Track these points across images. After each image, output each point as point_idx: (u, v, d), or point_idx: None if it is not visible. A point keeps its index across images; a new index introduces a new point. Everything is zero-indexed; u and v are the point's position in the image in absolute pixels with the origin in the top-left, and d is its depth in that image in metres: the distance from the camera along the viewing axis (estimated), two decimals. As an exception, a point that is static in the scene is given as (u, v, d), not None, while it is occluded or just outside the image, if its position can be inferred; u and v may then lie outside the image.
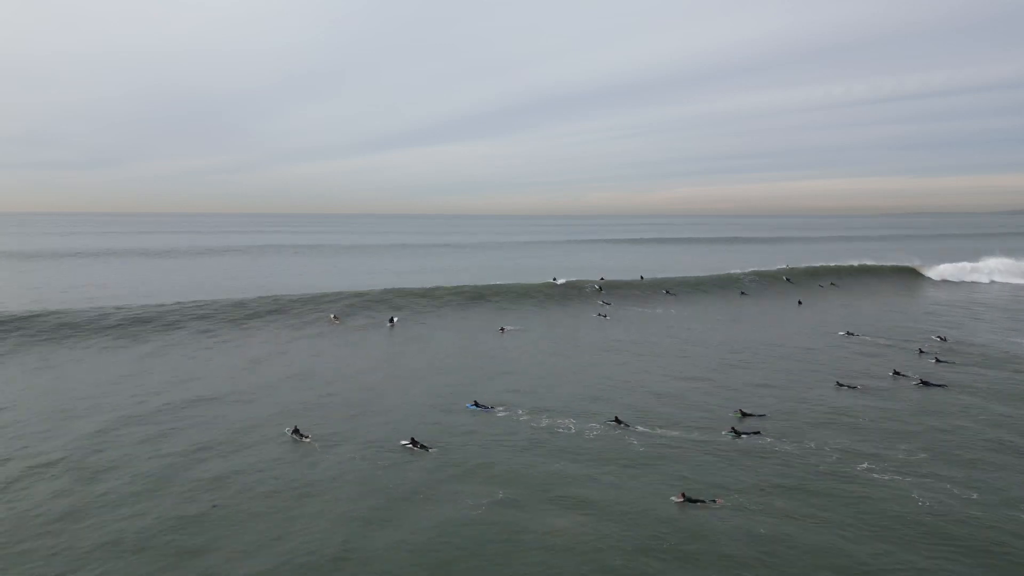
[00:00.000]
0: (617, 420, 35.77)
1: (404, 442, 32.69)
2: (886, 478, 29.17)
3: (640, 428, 35.30)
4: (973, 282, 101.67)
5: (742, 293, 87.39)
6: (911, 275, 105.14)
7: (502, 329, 62.98)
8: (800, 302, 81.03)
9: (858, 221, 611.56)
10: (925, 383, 44.68)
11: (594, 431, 34.82)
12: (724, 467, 30.23)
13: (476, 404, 39.21)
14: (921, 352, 53.64)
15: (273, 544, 23.16)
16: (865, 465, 30.56)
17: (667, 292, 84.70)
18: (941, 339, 58.89)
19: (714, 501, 25.73)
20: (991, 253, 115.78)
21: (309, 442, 33.32)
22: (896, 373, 47.34)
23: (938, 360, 50.90)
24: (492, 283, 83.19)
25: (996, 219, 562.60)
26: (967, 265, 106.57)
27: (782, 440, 33.72)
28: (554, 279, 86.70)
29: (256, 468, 29.74)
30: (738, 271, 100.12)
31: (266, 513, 25.45)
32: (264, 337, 57.46)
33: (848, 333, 62.35)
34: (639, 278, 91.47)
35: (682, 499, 25.64)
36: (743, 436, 33.79)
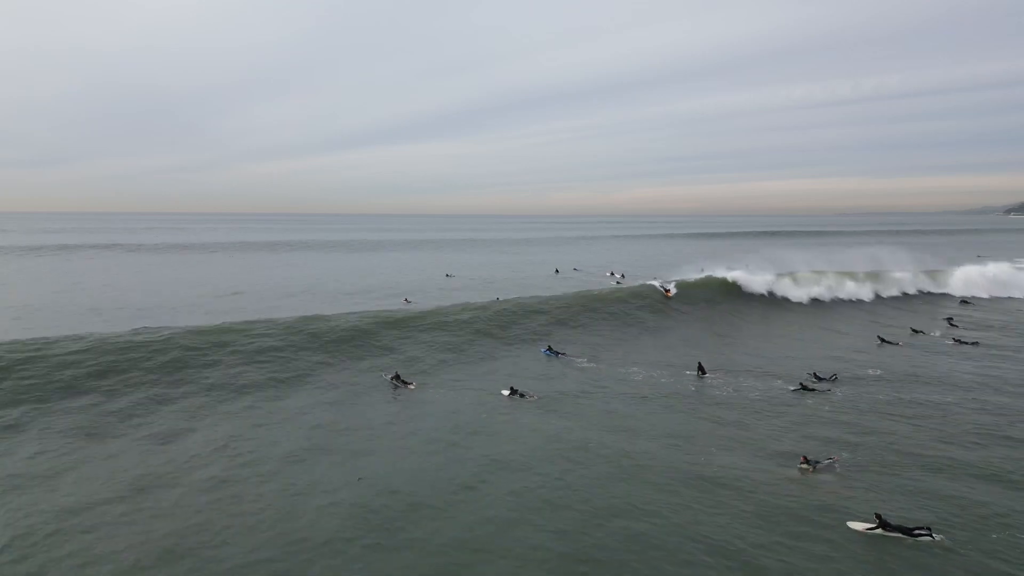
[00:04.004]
0: (700, 368, 36.65)
1: (504, 392, 32.54)
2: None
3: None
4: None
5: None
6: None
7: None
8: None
9: (828, 219, 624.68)
10: (958, 341, 45.45)
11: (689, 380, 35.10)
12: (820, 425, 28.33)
13: (549, 349, 41.29)
14: (951, 323, 52.94)
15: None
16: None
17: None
18: (965, 300, 63.20)
19: (831, 459, 23.44)
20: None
21: (413, 388, 33.04)
22: (914, 331, 48.86)
23: (951, 323, 52.23)
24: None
25: (943, 218, 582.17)
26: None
27: (856, 395, 32.46)
28: (556, 270, 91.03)
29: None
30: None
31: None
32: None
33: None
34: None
35: (805, 463, 22.94)
36: (812, 390, 32.97)
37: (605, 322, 49.76)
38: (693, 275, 64.84)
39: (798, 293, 61.17)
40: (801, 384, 33.63)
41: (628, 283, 68.31)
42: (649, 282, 61.42)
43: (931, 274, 71.04)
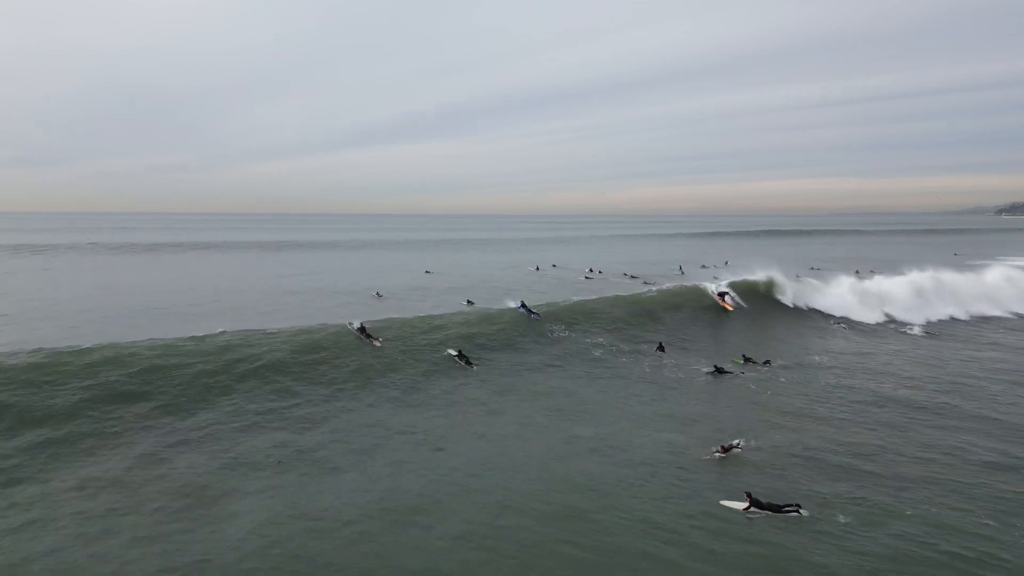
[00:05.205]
0: (660, 347, 38.80)
1: (451, 351, 32.73)
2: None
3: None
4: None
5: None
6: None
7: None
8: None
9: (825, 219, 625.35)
10: (900, 327, 48.34)
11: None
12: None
13: (523, 306, 41.90)
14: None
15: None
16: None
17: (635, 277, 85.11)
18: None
19: (735, 444, 23.69)
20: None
21: (379, 346, 32.07)
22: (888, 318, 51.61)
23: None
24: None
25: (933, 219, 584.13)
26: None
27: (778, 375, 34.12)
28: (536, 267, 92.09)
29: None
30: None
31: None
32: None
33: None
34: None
35: (723, 452, 23.13)
36: (723, 374, 34.26)
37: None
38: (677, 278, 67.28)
39: (786, 292, 62.75)
40: (715, 367, 34.64)
41: (603, 278, 71.13)
42: (701, 284, 56.32)
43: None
